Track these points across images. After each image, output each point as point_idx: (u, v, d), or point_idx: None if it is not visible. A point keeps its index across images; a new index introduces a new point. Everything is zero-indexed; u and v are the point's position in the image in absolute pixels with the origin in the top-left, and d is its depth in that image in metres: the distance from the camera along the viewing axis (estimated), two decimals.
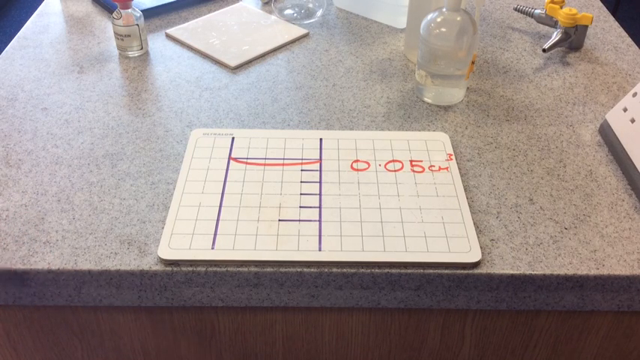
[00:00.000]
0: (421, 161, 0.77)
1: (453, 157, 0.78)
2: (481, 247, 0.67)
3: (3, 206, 0.71)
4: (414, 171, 0.76)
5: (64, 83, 0.92)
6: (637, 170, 0.75)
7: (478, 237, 0.68)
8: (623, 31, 1.10)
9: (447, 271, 0.65)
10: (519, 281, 0.65)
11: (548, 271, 0.65)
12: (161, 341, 0.74)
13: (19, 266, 0.64)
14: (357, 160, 0.77)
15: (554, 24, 1.04)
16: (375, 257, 0.65)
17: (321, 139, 0.81)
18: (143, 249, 0.66)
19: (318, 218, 0.69)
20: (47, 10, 1.11)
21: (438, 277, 0.65)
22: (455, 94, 0.90)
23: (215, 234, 0.67)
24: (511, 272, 0.65)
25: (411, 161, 0.77)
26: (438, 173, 0.76)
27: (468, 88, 0.93)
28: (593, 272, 0.65)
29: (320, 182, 0.74)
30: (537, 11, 1.06)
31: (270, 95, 0.90)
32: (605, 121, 0.83)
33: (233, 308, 0.70)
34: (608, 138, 0.82)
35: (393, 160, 0.77)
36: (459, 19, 0.84)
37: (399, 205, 0.71)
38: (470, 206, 0.72)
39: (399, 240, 0.67)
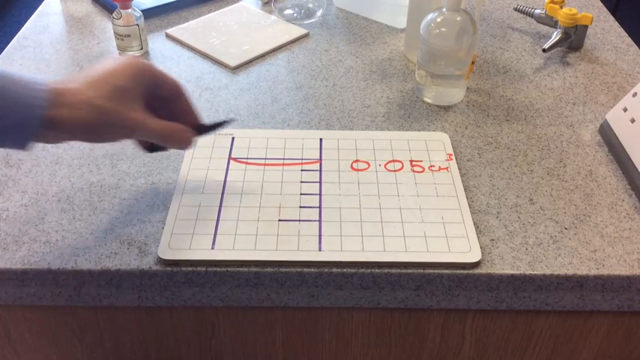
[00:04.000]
0: (421, 161, 0.77)
1: (453, 157, 0.78)
2: (481, 247, 0.67)
3: (3, 206, 0.71)
4: (414, 171, 0.76)
5: None
6: (637, 170, 0.75)
7: (478, 237, 0.68)
8: (623, 31, 1.10)
9: (447, 271, 0.65)
10: (519, 281, 0.65)
11: (548, 271, 0.65)
12: (161, 341, 0.74)
13: (19, 266, 0.64)
14: (357, 160, 0.77)
15: (554, 24, 1.04)
16: (375, 257, 0.65)
17: (321, 139, 0.81)
18: (143, 249, 0.66)
19: (318, 218, 0.69)
20: (47, 10, 1.11)
21: (438, 277, 0.65)
22: (455, 94, 0.90)
23: (215, 234, 0.67)
24: (511, 272, 0.65)
25: (411, 161, 0.77)
26: (438, 173, 0.76)
27: (468, 88, 0.93)
28: (593, 272, 0.65)
29: (320, 182, 0.74)
30: (537, 11, 1.06)
31: (270, 95, 0.90)
32: (605, 121, 0.83)
33: (233, 308, 0.70)
34: (608, 138, 0.82)
35: (393, 160, 0.77)
36: (459, 19, 0.84)
37: (399, 205, 0.71)
38: (470, 206, 0.72)
39: (399, 240, 0.67)
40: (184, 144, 0.66)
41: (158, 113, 0.64)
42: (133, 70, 0.61)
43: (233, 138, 0.80)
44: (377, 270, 0.65)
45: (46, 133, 0.57)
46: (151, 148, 0.69)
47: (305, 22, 1.10)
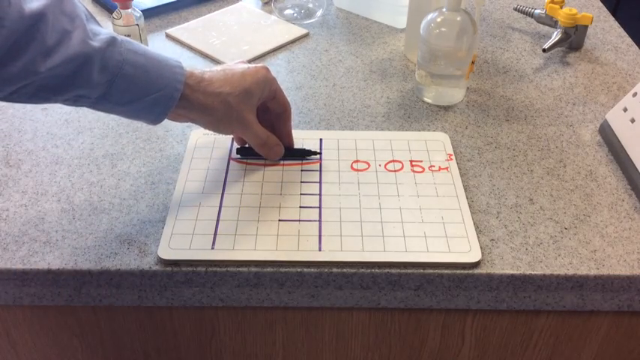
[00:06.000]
0: (421, 161, 0.77)
1: (453, 157, 0.78)
2: (481, 247, 0.67)
3: (3, 206, 0.71)
4: (414, 171, 0.76)
5: None
6: (637, 170, 0.75)
7: (478, 237, 0.68)
8: (623, 31, 1.10)
9: (447, 271, 0.65)
10: (519, 281, 0.65)
11: (548, 271, 0.65)
12: (161, 341, 0.74)
13: (19, 266, 0.64)
14: (357, 160, 0.77)
15: (554, 24, 1.04)
16: (375, 257, 0.65)
17: (321, 139, 0.81)
18: (143, 249, 0.66)
19: (318, 218, 0.69)
20: None
21: (438, 277, 0.65)
22: (455, 94, 0.90)
23: (215, 234, 0.67)
24: (511, 272, 0.65)
25: (411, 161, 0.77)
26: (438, 173, 0.76)
27: (468, 88, 0.93)
28: (593, 272, 0.65)
29: (320, 182, 0.74)
30: (537, 11, 1.06)
31: None
32: (605, 121, 0.83)
33: (233, 308, 0.70)
34: (608, 138, 0.82)
35: (393, 160, 0.77)
36: (459, 19, 0.84)
37: (399, 205, 0.71)
38: (470, 206, 0.72)
39: (399, 240, 0.67)
40: (274, 155, 0.75)
41: (261, 122, 0.72)
42: (261, 78, 0.70)
43: (233, 138, 0.80)
44: (377, 270, 0.65)
45: (176, 110, 0.65)
46: (243, 150, 0.77)
47: (305, 22, 1.10)
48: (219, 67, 0.70)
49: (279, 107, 0.74)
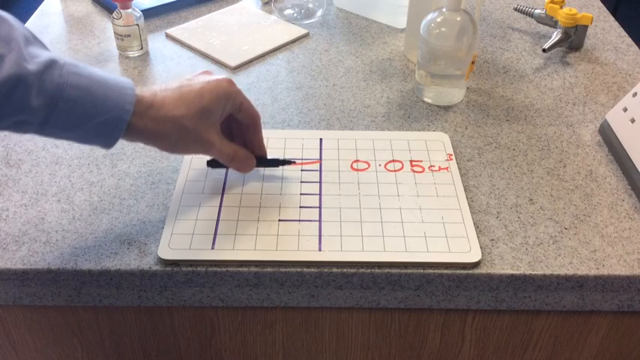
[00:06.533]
0: (421, 161, 0.77)
1: (453, 157, 0.78)
2: (481, 247, 0.67)
3: (3, 206, 0.71)
4: (414, 171, 0.76)
5: None
6: (637, 170, 0.75)
7: (478, 237, 0.68)
8: (623, 31, 1.10)
9: (447, 271, 0.65)
10: (519, 281, 0.65)
11: (548, 271, 0.65)
12: (161, 341, 0.74)
13: (19, 266, 0.64)
14: (357, 160, 0.77)
15: (554, 24, 1.04)
16: (375, 257, 0.65)
17: (321, 139, 0.81)
18: (143, 249, 0.66)
19: (318, 218, 0.69)
20: (47, 10, 1.11)
21: (438, 277, 0.65)
22: (455, 94, 0.90)
23: (215, 234, 0.67)
24: (511, 272, 0.65)
25: (411, 161, 0.77)
26: (438, 173, 0.76)
27: (468, 88, 0.93)
28: (593, 272, 0.65)
29: (320, 182, 0.74)
30: (537, 11, 1.06)
31: (270, 95, 0.90)
32: (605, 121, 0.83)
33: (233, 308, 0.70)
34: (608, 138, 0.82)
35: (393, 160, 0.77)
36: (459, 19, 0.84)
37: (399, 205, 0.71)
38: (470, 206, 0.72)
39: (399, 240, 0.67)
40: (246, 169, 0.71)
41: (232, 133, 0.70)
42: (222, 94, 0.65)
43: None
44: (377, 270, 0.65)
45: (127, 138, 0.62)
46: (213, 162, 0.74)
47: (305, 22, 1.10)
48: (176, 84, 0.65)
49: (246, 119, 0.70)
